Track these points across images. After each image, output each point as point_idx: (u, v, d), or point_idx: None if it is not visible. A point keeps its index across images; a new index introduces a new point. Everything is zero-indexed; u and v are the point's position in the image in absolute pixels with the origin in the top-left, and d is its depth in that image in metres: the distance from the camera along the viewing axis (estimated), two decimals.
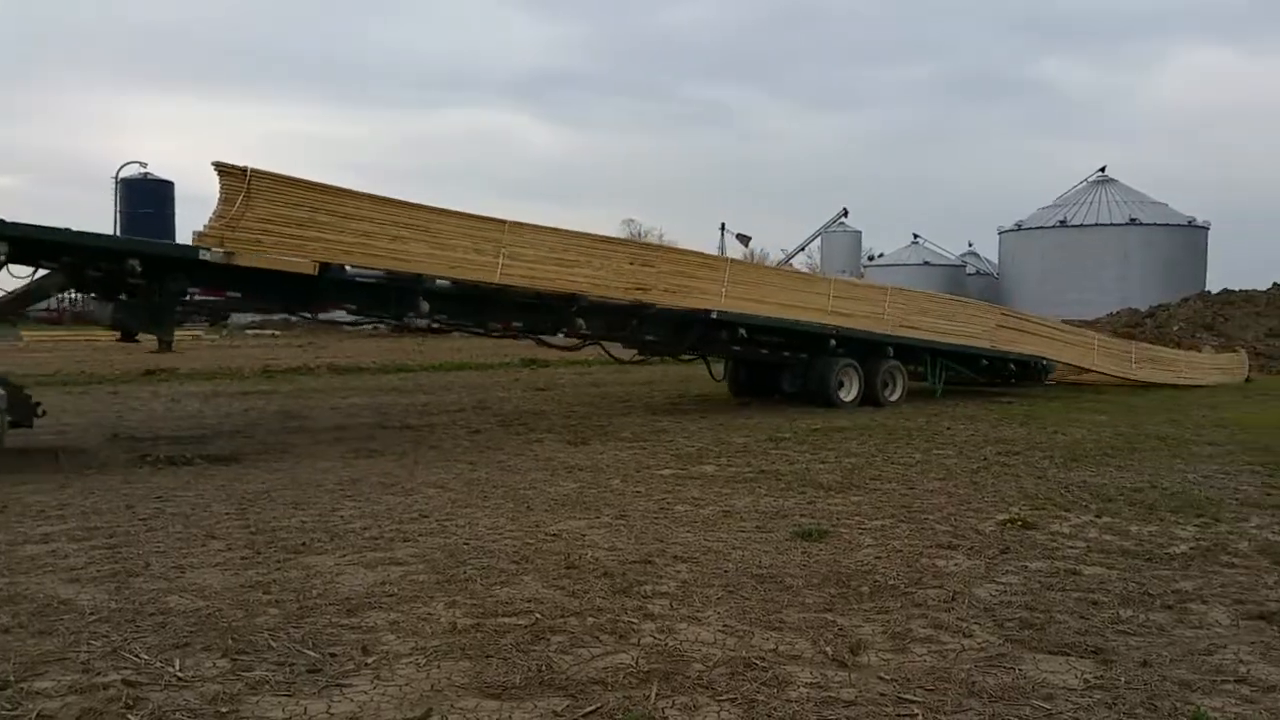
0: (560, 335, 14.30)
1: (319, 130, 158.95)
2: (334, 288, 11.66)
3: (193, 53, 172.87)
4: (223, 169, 10.49)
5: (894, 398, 16.87)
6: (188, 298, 11.29)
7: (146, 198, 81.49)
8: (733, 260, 18.11)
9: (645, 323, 14.41)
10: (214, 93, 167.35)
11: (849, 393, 16.26)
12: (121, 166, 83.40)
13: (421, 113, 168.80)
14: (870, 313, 17.06)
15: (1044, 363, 19.72)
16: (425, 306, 12.14)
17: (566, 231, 13.47)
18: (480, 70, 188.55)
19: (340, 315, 13.68)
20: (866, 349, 16.64)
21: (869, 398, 16.37)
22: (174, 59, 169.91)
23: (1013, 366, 19.41)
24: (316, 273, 10.90)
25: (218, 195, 10.51)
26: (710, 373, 17.45)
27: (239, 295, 11.58)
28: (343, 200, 11.21)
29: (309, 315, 13.87)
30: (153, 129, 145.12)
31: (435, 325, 13.14)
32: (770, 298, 15.58)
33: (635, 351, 16.40)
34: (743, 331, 15.12)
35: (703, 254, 16.72)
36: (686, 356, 16.85)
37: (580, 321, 13.61)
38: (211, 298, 12.09)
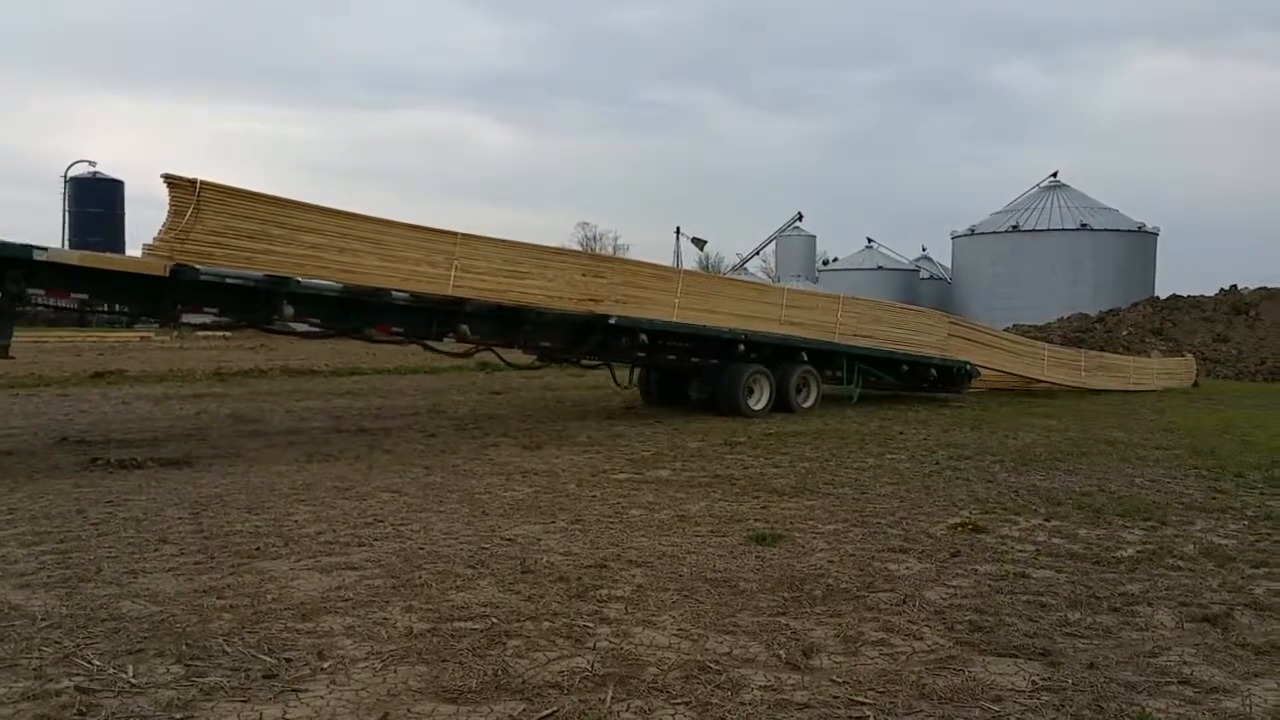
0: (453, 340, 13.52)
1: (272, 130, 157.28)
2: (190, 290, 10.94)
3: (140, 51, 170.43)
4: (172, 181, 10.37)
5: (807, 403, 16.54)
6: (36, 301, 10.73)
7: (95, 197, 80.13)
8: (686, 271, 17.83)
9: (539, 328, 13.83)
10: (163, 92, 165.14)
11: (759, 400, 15.78)
12: (70, 165, 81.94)
13: (375, 114, 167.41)
14: (823, 321, 17.15)
15: (967, 368, 19.47)
16: (290, 310, 11.51)
17: (519, 244, 13.50)
18: (434, 71, 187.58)
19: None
20: (779, 354, 16.29)
21: (781, 404, 15.95)
22: (121, 57, 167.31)
23: (933, 372, 19.18)
24: (168, 274, 10.41)
25: (167, 207, 10.40)
26: (615, 380, 16.89)
27: (85, 297, 10.98)
28: (292, 212, 11.16)
29: (170, 321, 12.98)
30: (101, 128, 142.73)
31: (308, 330, 12.43)
32: (723, 308, 15.61)
33: (535, 357, 15.59)
34: (643, 337, 14.54)
35: (655, 265, 16.54)
36: (589, 362, 16.07)
37: (465, 327, 13.00)
38: (58, 301, 11.31)
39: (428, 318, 12.76)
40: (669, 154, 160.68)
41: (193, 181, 10.39)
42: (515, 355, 15.29)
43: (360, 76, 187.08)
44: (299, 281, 11.35)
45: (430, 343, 13.43)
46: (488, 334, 13.61)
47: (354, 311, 12.24)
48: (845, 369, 17.73)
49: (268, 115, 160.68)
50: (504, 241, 13.23)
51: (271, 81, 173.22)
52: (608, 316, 13.94)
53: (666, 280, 15.32)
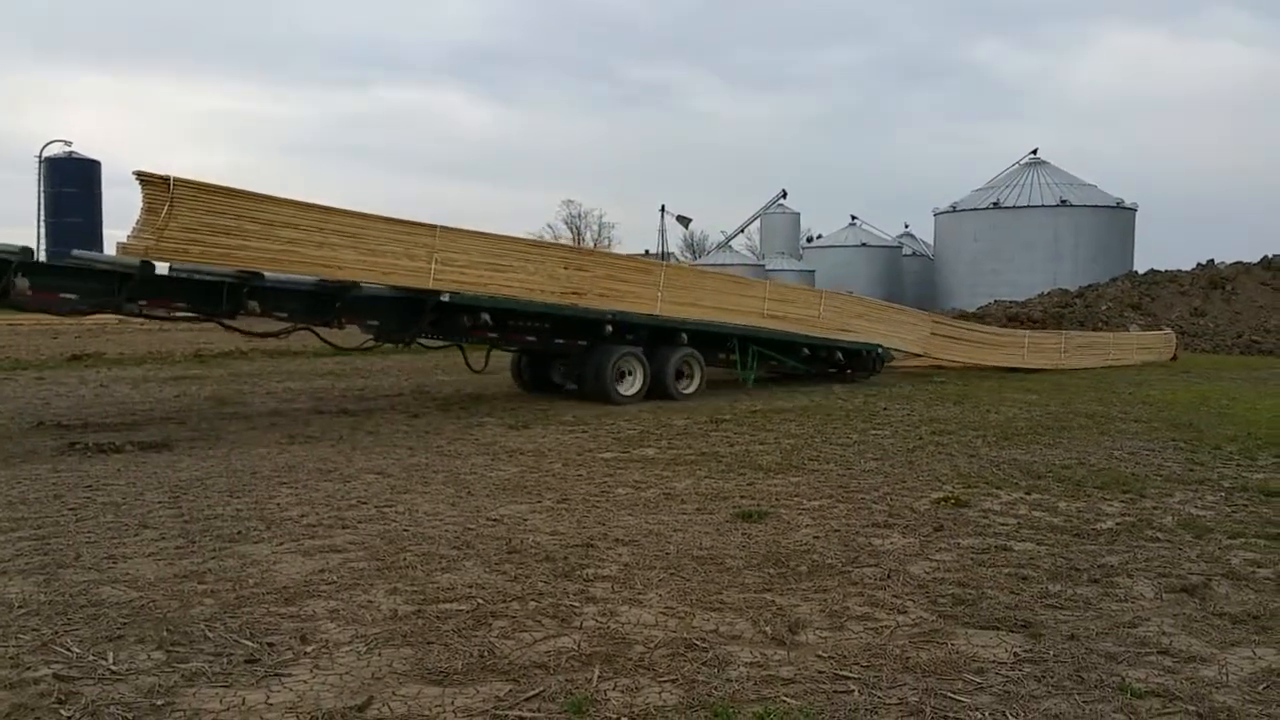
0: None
1: (248, 108, 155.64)
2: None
3: (110, 26, 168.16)
4: (145, 178, 10.26)
5: (689, 390, 15.28)
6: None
7: (72, 177, 79.25)
8: (668, 265, 17.28)
9: (356, 306, 12.48)
10: (134, 69, 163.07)
11: (632, 385, 14.55)
12: (45, 145, 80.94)
13: (352, 91, 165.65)
14: (805, 316, 17.04)
15: (879, 351, 18.42)
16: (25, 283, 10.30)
17: (499, 236, 13.45)
18: (412, 46, 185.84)
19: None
20: (657, 336, 15.07)
21: (658, 390, 14.71)
22: (91, 32, 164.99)
23: (840, 356, 18.18)
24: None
25: (140, 205, 10.29)
26: (467, 363, 15.21)
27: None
28: (266, 206, 11.05)
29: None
30: (72, 105, 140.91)
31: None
32: (705, 301, 15.55)
33: (370, 336, 13.74)
34: (485, 317, 13.19)
35: (637, 258, 16.52)
36: (432, 343, 14.62)
37: (254, 304, 11.54)
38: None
39: (215, 295, 11.45)
40: (652, 131, 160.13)
41: (165, 179, 10.28)
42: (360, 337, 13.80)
43: (335, 52, 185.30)
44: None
45: (226, 321, 11.92)
46: (299, 312, 12.25)
47: (123, 286, 10.90)
48: (739, 352, 16.42)
49: (242, 93, 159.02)
50: (484, 234, 13.18)
51: (245, 58, 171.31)
52: (439, 293, 12.51)
53: (648, 273, 15.24)
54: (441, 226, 12.56)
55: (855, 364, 18.43)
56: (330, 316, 12.29)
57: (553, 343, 14.49)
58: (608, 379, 14.26)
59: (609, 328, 14.32)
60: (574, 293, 13.83)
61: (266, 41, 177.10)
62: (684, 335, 15.18)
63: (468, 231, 12.93)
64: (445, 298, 12.60)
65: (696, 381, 15.51)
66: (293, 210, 11.30)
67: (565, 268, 13.90)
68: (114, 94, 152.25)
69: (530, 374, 16.00)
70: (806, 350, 17.41)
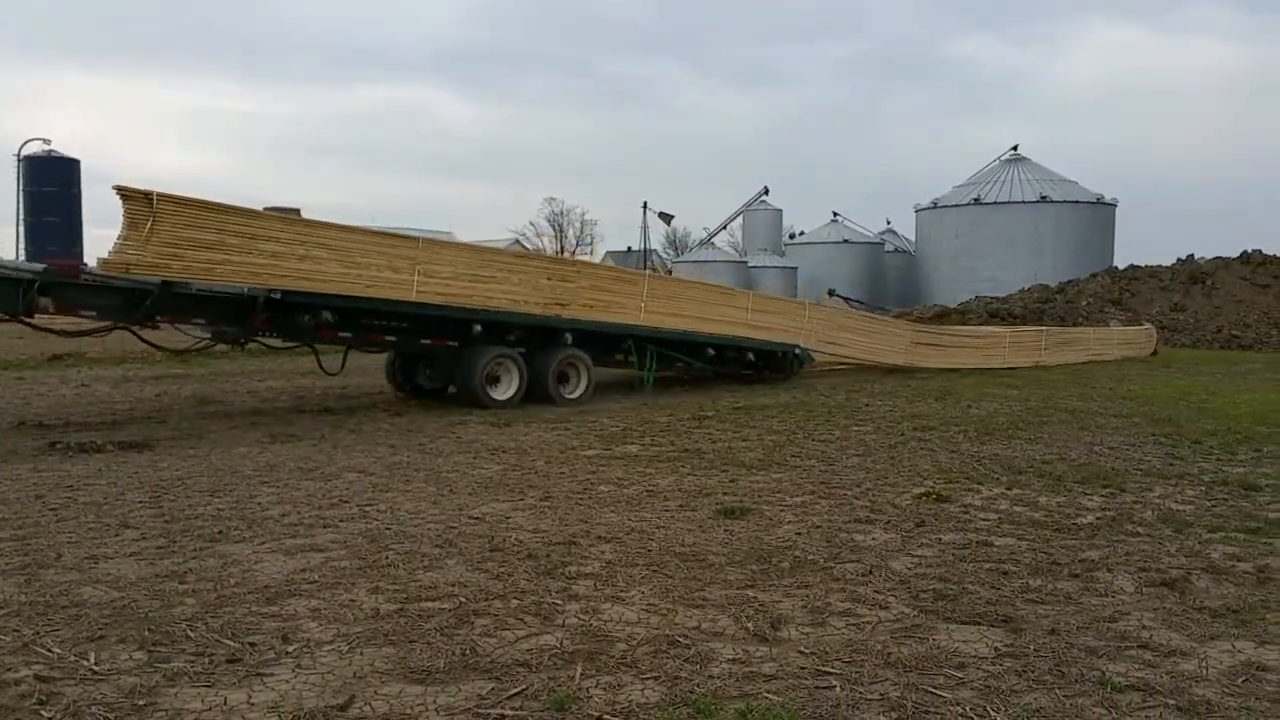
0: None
1: (233, 106, 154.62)
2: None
3: (92, 24, 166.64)
4: (126, 193, 10.24)
5: (575, 394, 14.13)
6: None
7: (51, 176, 78.59)
8: (651, 275, 16.84)
9: (176, 305, 11.37)
10: (116, 67, 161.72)
11: (506, 389, 13.48)
12: (24, 143, 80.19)
13: (336, 89, 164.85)
14: (787, 326, 17.06)
15: (796, 352, 17.20)
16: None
17: (483, 248, 13.73)
18: (393, 44, 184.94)
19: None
20: (538, 337, 13.99)
21: (538, 394, 13.63)
22: (71, 30, 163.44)
23: (751, 357, 16.91)
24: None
25: (121, 220, 10.25)
26: (320, 366, 13.84)
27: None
28: (249, 221, 11.08)
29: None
30: (51, 104, 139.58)
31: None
32: (688, 311, 15.58)
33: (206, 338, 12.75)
34: (328, 315, 12.05)
35: (621, 269, 16.47)
36: (275, 342, 13.25)
37: (45, 300, 10.54)
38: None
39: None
40: (634, 127, 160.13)
41: (147, 194, 10.26)
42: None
43: (320, 51, 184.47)
44: None
45: (24, 318, 10.94)
46: (108, 310, 11.20)
47: None
48: (635, 353, 15.24)
49: (227, 91, 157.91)
50: (468, 246, 13.49)
51: (228, 57, 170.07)
52: (273, 290, 11.47)
53: (632, 284, 15.25)
54: (424, 239, 12.77)
55: (771, 365, 17.31)
56: (142, 314, 11.21)
57: (417, 343, 13.43)
58: (476, 382, 13.20)
59: (478, 328, 13.29)
60: (557, 304, 13.87)
61: (249, 40, 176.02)
62: (568, 336, 14.13)
63: (451, 243, 13.25)
64: (276, 295, 11.48)
65: (583, 385, 14.32)
66: (274, 224, 11.39)
67: (549, 278, 13.94)
68: (96, 93, 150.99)
69: (403, 376, 14.97)
70: (712, 351, 16.22)
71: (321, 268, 11.48)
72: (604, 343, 14.94)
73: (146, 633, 4.50)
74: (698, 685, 3.98)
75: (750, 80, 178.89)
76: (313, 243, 11.49)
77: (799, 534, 6.50)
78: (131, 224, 10.18)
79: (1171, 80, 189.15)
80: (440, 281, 12.57)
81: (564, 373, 14.19)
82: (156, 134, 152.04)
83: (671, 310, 15.32)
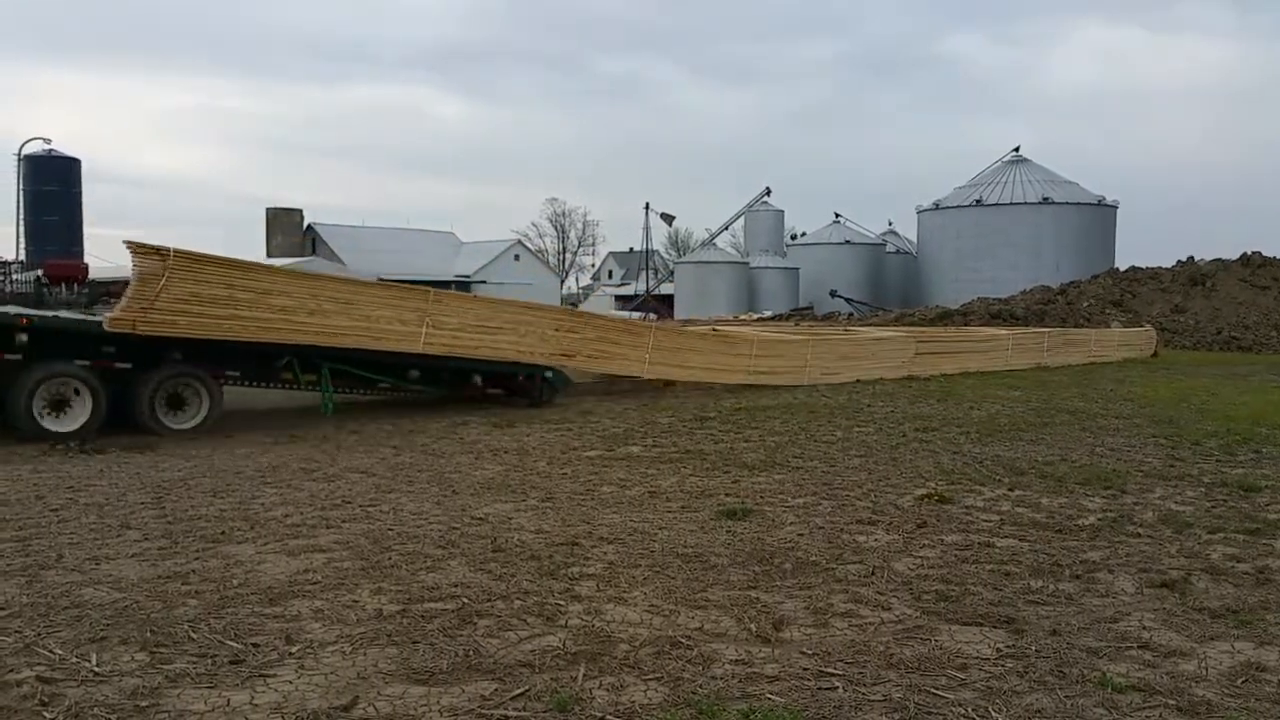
0: None
1: (222, 104, 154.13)
2: None
3: (77, 21, 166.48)
4: (138, 249, 10.25)
5: (190, 424, 11.06)
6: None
7: (52, 175, 78.68)
8: (657, 326, 16.34)
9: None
10: (103, 65, 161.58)
11: (71, 420, 10.41)
12: (24, 143, 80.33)
13: (328, 86, 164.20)
14: (791, 368, 16.97)
15: (546, 375, 14.05)
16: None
17: (492, 300, 13.65)
18: (383, 41, 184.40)
19: None
20: (134, 350, 10.84)
21: (132, 422, 10.73)
22: (57, 28, 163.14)
23: (478, 379, 13.83)
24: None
25: (132, 273, 10.26)
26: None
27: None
28: (260, 276, 11.13)
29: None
30: (42, 102, 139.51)
31: None
32: (693, 362, 15.54)
33: None
34: None
35: (627, 321, 16.14)
36: None
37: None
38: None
39: None
40: (633, 127, 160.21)
41: (161, 250, 10.25)
42: None
43: (309, 47, 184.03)
44: None
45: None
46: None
47: None
48: (297, 370, 12.18)
49: (216, 89, 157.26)
50: (477, 298, 13.57)
51: (216, 53, 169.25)
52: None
53: (637, 335, 15.17)
54: (435, 291, 12.73)
55: (512, 388, 14.38)
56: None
57: None
58: (21, 409, 10.16)
59: (22, 337, 10.29)
60: (564, 354, 13.81)
61: (239, 37, 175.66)
62: (178, 353, 11.08)
63: (461, 295, 13.31)
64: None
65: (204, 411, 11.20)
66: (286, 279, 11.39)
67: (556, 329, 13.85)
68: (82, 90, 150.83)
69: None
70: (416, 372, 13.17)
71: (330, 321, 11.55)
72: (246, 358, 11.79)
73: (149, 634, 4.51)
74: (700, 686, 3.99)
75: (746, 78, 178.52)
76: (324, 297, 11.52)
77: (801, 535, 6.50)
78: (142, 280, 10.15)
79: (1170, 81, 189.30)
80: (449, 333, 12.61)
81: (174, 396, 11.10)
82: (144, 132, 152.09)
83: (676, 362, 15.17)
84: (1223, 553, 6.14)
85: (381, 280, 12.34)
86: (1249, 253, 38.39)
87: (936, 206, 58.29)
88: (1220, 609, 5.02)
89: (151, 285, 10.12)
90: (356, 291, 11.97)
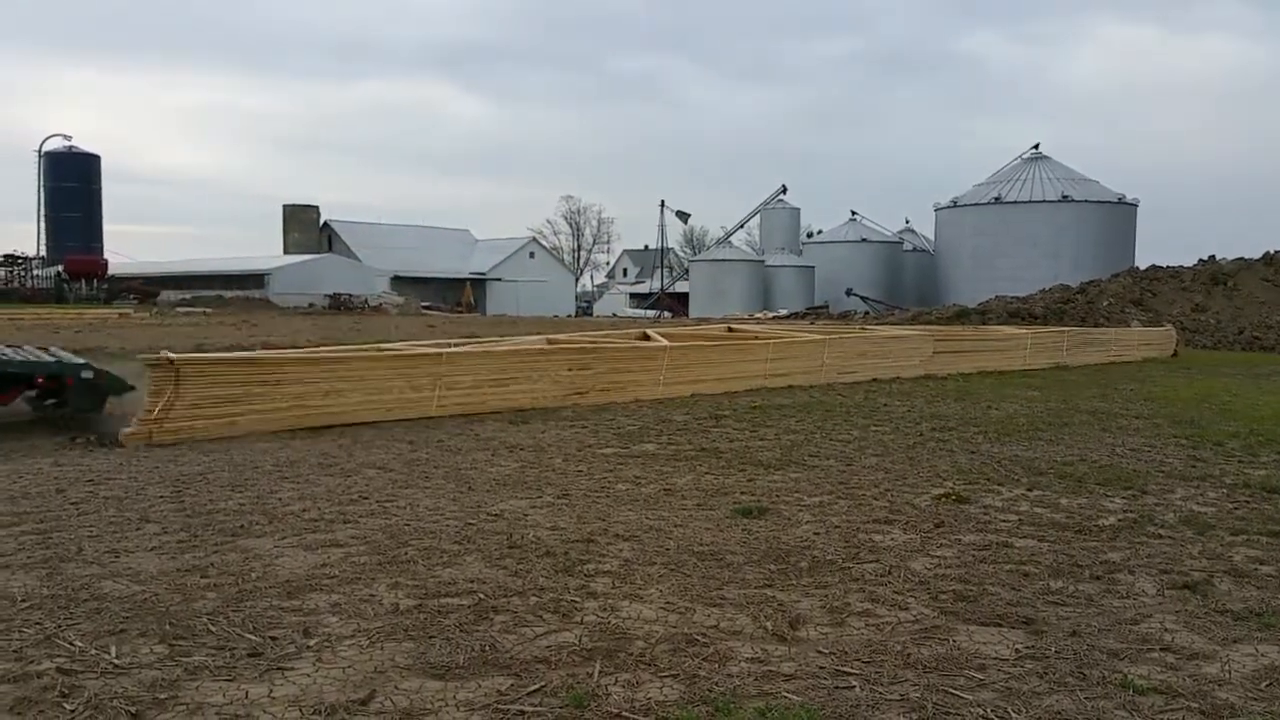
0: None
1: (237, 102, 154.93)
2: None
3: (94, 20, 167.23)
4: (149, 362, 10.32)
5: None
6: None
7: (72, 171, 79.27)
8: (671, 347, 15.41)
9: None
10: (120, 63, 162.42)
11: None
12: (45, 140, 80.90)
13: (341, 84, 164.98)
14: (807, 367, 16.87)
15: (83, 376, 11.40)
16: None
17: (505, 352, 13.40)
18: (398, 39, 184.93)
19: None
20: None
21: None
22: (75, 26, 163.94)
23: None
24: None
25: (146, 389, 10.28)
26: None
27: None
28: (272, 368, 11.09)
29: None
30: (61, 99, 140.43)
31: None
32: (710, 374, 15.36)
33: None
34: None
35: (642, 348, 15.46)
36: None
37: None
38: None
39: None
40: (648, 124, 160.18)
41: (170, 360, 10.27)
42: None
43: (323, 45, 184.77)
44: None
45: None
46: None
47: None
48: None
49: (231, 86, 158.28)
50: (490, 353, 13.20)
51: (229, 52, 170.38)
52: None
53: (651, 359, 14.87)
54: (448, 352, 12.62)
55: (47, 395, 11.79)
56: None
57: None
58: None
59: None
60: (577, 393, 13.60)
61: (257, 36, 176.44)
62: None
63: (474, 353, 13.07)
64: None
65: None
66: (299, 367, 11.33)
67: (569, 370, 13.66)
68: (101, 88, 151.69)
69: None
70: None
71: (343, 399, 11.42)
72: None
73: (168, 626, 4.53)
74: (716, 684, 3.98)
75: (761, 75, 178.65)
76: (337, 377, 11.46)
77: (817, 534, 6.48)
78: (155, 391, 10.15)
79: (1191, 78, 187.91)
80: (461, 392, 12.41)
81: None
82: (160, 131, 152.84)
83: (693, 377, 14.88)
84: (1245, 555, 6.09)
85: (389, 352, 12.18)
86: (1272, 252, 38.09)
87: (955, 204, 58.09)
88: (1243, 611, 4.97)
89: (162, 397, 10.09)
90: (370, 368, 11.87)
